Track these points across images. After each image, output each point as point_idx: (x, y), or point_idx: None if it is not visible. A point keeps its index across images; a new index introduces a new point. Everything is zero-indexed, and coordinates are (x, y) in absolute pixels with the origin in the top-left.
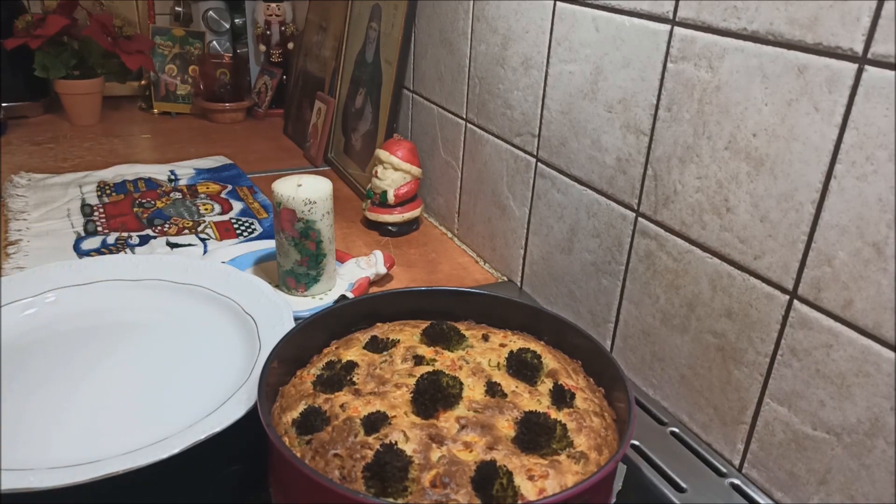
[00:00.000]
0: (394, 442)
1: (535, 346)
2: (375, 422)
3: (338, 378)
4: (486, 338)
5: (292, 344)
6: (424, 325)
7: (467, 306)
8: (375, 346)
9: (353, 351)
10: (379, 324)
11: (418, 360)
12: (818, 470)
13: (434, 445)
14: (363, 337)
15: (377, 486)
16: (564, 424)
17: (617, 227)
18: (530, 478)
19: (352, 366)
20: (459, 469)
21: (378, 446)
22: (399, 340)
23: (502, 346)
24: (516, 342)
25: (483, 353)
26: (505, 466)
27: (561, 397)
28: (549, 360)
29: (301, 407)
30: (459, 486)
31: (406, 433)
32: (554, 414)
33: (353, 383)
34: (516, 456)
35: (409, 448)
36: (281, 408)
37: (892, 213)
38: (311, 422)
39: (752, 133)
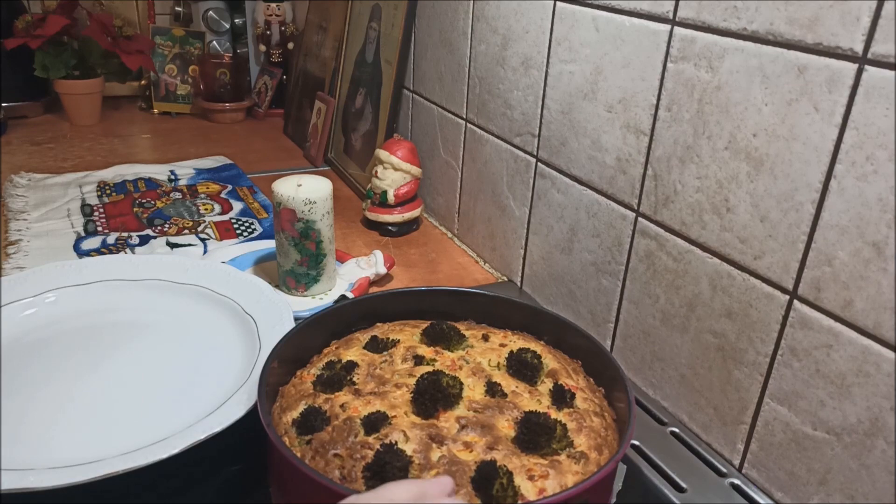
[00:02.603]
0: (394, 442)
1: (535, 346)
2: (375, 422)
3: (338, 378)
4: (486, 338)
5: (292, 344)
6: (424, 325)
7: (467, 306)
8: (375, 346)
9: (353, 351)
10: (379, 324)
11: (418, 360)
12: (818, 470)
13: (434, 445)
14: (363, 337)
15: (377, 486)
16: (564, 424)
17: (617, 227)
18: (530, 478)
19: (352, 366)
20: (459, 469)
21: (378, 446)
22: (399, 340)
23: (502, 346)
24: (516, 342)
25: (483, 353)
26: (505, 466)
27: (561, 397)
28: (549, 360)
29: (301, 407)
30: (459, 486)
31: (406, 433)
32: (554, 414)
33: (353, 383)
34: (516, 456)
35: (409, 448)
36: (281, 408)
37: (892, 213)
38: (311, 422)
39: (752, 133)
